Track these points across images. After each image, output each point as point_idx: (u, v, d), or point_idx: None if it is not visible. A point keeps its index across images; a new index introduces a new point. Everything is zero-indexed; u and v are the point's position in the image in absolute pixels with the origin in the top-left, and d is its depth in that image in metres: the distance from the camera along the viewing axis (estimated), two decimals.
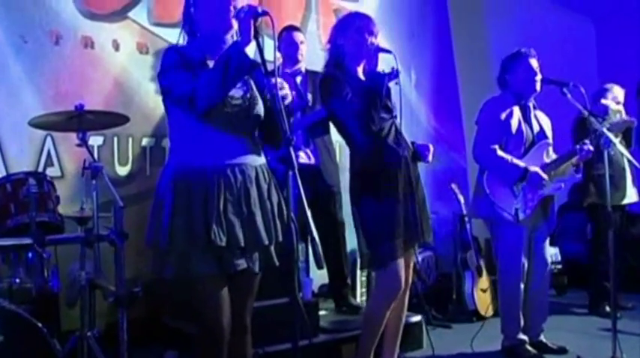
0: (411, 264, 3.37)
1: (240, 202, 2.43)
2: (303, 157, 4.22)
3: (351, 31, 3.21)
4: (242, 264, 2.44)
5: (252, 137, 2.55)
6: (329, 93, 3.18)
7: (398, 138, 3.20)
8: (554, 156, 3.93)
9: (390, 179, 3.13)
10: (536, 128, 3.93)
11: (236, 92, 2.48)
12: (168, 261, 2.41)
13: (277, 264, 2.56)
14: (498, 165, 3.82)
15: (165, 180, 2.46)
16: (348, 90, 3.10)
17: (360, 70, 3.26)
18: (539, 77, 3.85)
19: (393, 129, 3.21)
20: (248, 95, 2.51)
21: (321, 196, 4.27)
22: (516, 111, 3.87)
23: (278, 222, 2.53)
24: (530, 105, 3.97)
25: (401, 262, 3.14)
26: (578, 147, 3.84)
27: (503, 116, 3.83)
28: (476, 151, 3.91)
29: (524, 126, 3.86)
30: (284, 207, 2.56)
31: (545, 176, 3.79)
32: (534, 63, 3.88)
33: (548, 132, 3.99)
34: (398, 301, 3.24)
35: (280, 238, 2.53)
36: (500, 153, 3.81)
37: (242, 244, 2.41)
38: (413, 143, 3.33)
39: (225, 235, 2.36)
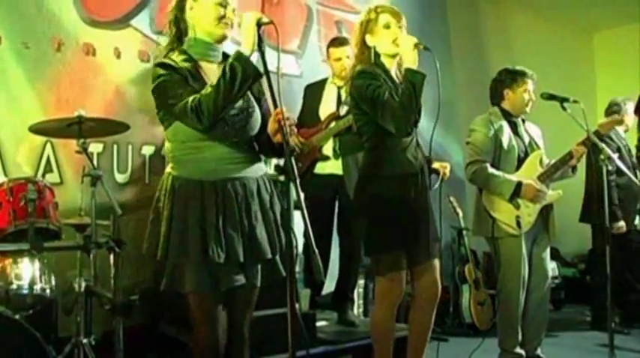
0: (437, 274, 3.17)
1: (241, 216, 2.40)
2: (330, 166, 4.25)
3: (377, 28, 3.04)
4: (240, 279, 2.40)
5: (251, 147, 2.53)
6: (364, 86, 2.94)
7: (416, 150, 3.10)
8: (549, 163, 3.93)
9: (403, 189, 3.01)
10: (527, 140, 3.97)
11: None
12: (164, 273, 2.39)
13: (284, 274, 2.51)
14: (492, 183, 3.83)
15: (165, 191, 2.43)
16: (385, 86, 2.93)
17: (394, 67, 3.10)
18: (531, 103, 3.93)
19: (414, 139, 3.10)
20: (245, 104, 2.48)
21: (342, 208, 4.29)
22: (505, 126, 3.91)
23: (282, 232, 2.51)
24: (519, 120, 4.00)
25: (403, 272, 3.04)
26: (572, 150, 3.82)
27: (491, 134, 3.86)
28: (468, 171, 3.92)
29: (515, 141, 3.90)
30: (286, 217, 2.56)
31: (539, 186, 3.80)
32: (532, 86, 3.93)
33: (540, 142, 4.02)
34: (419, 311, 3.16)
35: (284, 248, 2.50)
36: (491, 170, 3.83)
37: (241, 259, 2.38)
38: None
39: (224, 251, 2.33)
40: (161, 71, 2.38)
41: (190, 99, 2.30)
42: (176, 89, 2.34)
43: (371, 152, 3.08)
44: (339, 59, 4.31)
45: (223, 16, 2.44)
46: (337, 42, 4.42)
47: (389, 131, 2.94)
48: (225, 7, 2.45)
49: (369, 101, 2.95)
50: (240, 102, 2.46)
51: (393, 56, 3.07)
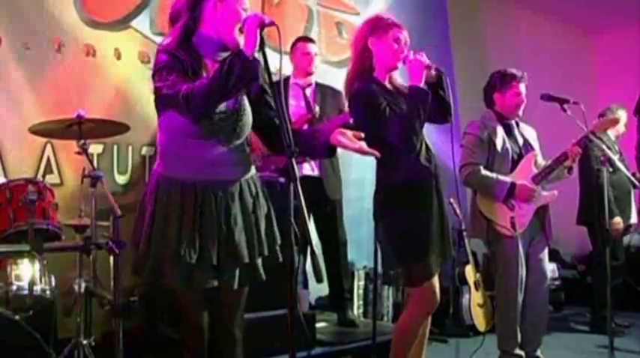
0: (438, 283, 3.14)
1: (219, 219, 2.40)
2: (307, 168, 4.24)
3: (385, 38, 3.00)
4: (212, 282, 2.42)
5: (241, 148, 2.49)
6: (365, 106, 2.95)
7: (428, 154, 3.07)
8: (543, 165, 3.93)
9: (424, 195, 2.99)
10: (520, 142, 3.97)
11: None
12: (146, 266, 2.42)
13: (264, 278, 2.52)
14: (485, 185, 3.84)
15: (150, 186, 2.45)
16: (385, 103, 2.92)
17: (387, 80, 3.07)
18: (523, 105, 3.91)
19: (424, 144, 3.06)
20: (237, 105, 2.44)
21: (322, 209, 4.29)
22: (499, 129, 3.91)
23: (264, 235, 2.50)
24: (513, 122, 4.00)
25: (436, 277, 3.02)
26: (567, 150, 3.80)
27: (485, 136, 3.86)
28: (462, 173, 3.91)
29: (508, 143, 3.90)
30: (273, 219, 2.54)
31: (533, 187, 3.80)
32: (523, 88, 3.91)
33: (534, 144, 4.02)
34: None
35: (266, 252, 2.51)
36: (484, 172, 3.83)
37: (214, 262, 2.38)
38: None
39: (196, 253, 2.35)
40: (164, 56, 2.38)
41: (184, 87, 2.27)
42: (172, 74, 2.31)
43: (384, 165, 3.02)
44: (308, 54, 4.34)
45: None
46: (306, 38, 4.52)
47: (400, 144, 2.91)
48: (246, 12, 2.44)
49: (371, 120, 2.92)
50: (230, 104, 2.41)
51: (388, 70, 3.06)
